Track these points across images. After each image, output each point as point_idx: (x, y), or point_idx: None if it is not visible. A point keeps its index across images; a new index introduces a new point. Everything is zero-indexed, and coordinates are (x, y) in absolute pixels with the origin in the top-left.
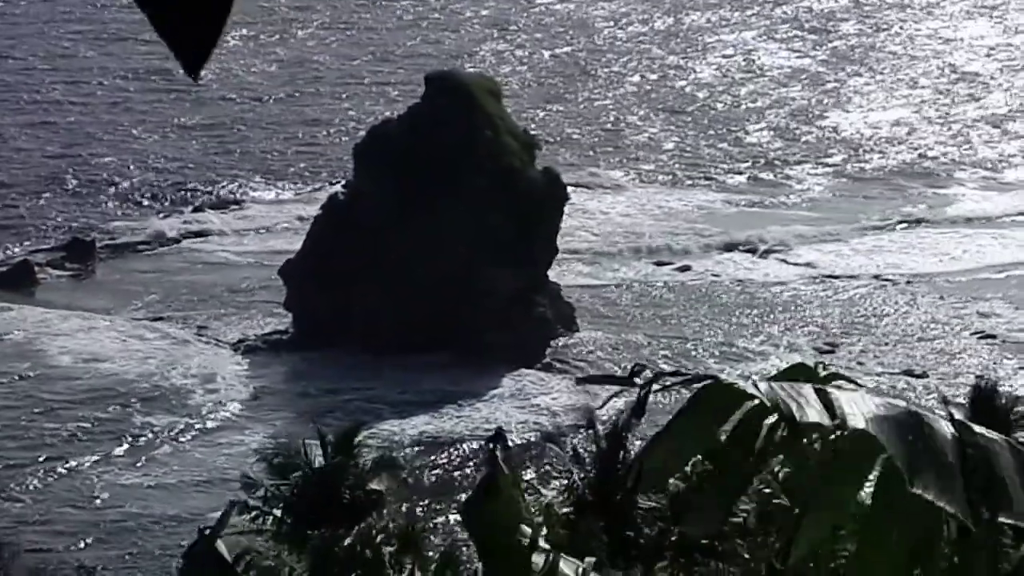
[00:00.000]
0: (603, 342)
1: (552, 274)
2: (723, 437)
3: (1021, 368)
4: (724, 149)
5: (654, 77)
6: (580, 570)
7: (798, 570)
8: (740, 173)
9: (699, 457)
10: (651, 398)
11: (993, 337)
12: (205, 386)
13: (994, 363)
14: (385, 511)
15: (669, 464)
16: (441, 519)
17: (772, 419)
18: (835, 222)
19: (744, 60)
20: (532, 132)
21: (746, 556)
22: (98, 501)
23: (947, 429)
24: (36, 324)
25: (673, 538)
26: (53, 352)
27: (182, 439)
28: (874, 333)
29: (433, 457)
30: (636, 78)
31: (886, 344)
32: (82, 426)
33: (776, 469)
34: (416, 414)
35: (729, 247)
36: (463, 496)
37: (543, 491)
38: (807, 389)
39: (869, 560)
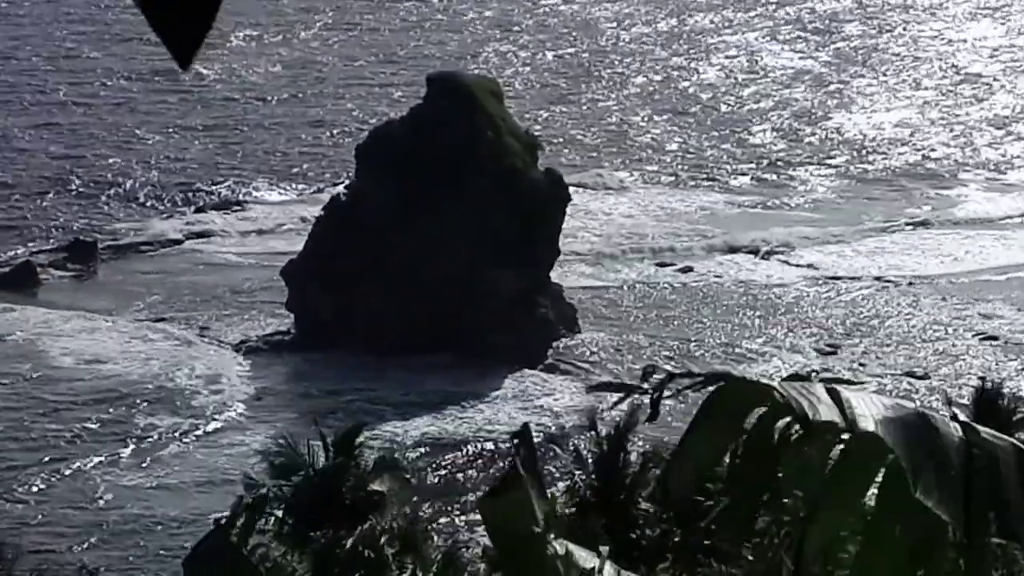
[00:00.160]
0: (605, 343)
1: (554, 275)
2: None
3: (1023, 369)
4: (728, 150)
5: (658, 78)
6: (597, 561)
7: (808, 571)
8: (744, 174)
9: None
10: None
11: (995, 338)
12: (207, 387)
13: (996, 364)
14: (387, 512)
15: (692, 478)
16: (444, 520)
17: (785, 421)
18: (838, 223)
19: (748, 61)
20: (536, 133)
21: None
22: (100, 502)
23: (954, 431)
24: (38, 325)
25: (676, 539)
26: (55, 353)
27: (184, 440)
28: (876, 334)
29: (436, 458)
30: (640, 79)
31: (888, 345)
32: (84, 427)
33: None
34: (418, 415)
35: (732, 248)
36: (466, 497)
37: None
38: (818, 388)
39: (870, 560)
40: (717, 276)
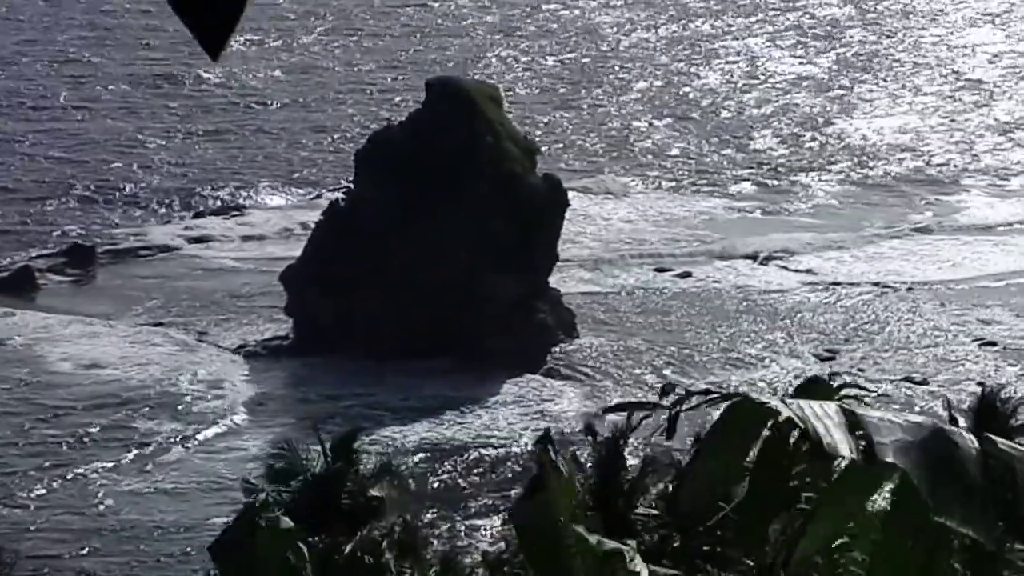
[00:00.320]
0: (604, 348)
1: (553, 280)
2: (754, 454)
3: (1022, 375)
4: (729, 155)
5: (659, 83)
6: (631, 557)
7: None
8: (745, 180)
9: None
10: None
11: (994, 344)
12: (206, 392)
13: (995, 370)
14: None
15: (706, 497)
16: (446, 525)
17: (796, 435)
18: (839, 229)
19: (749, 67)
20: (537, 138)
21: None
22: (99, 508)
23: (971, 444)
24: (37, 329)
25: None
26: (54, 358)
27: (183, 445)
28: (875, 340)
29: (435, 463)
30: (641, 84)
31: (887, 351)
32: (83, 432)
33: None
34: (418, 420)
35: (731, 254)
36: (464, 503)
37: None
38: (833, 409)
39: (881, 572)
40: (716, 281)
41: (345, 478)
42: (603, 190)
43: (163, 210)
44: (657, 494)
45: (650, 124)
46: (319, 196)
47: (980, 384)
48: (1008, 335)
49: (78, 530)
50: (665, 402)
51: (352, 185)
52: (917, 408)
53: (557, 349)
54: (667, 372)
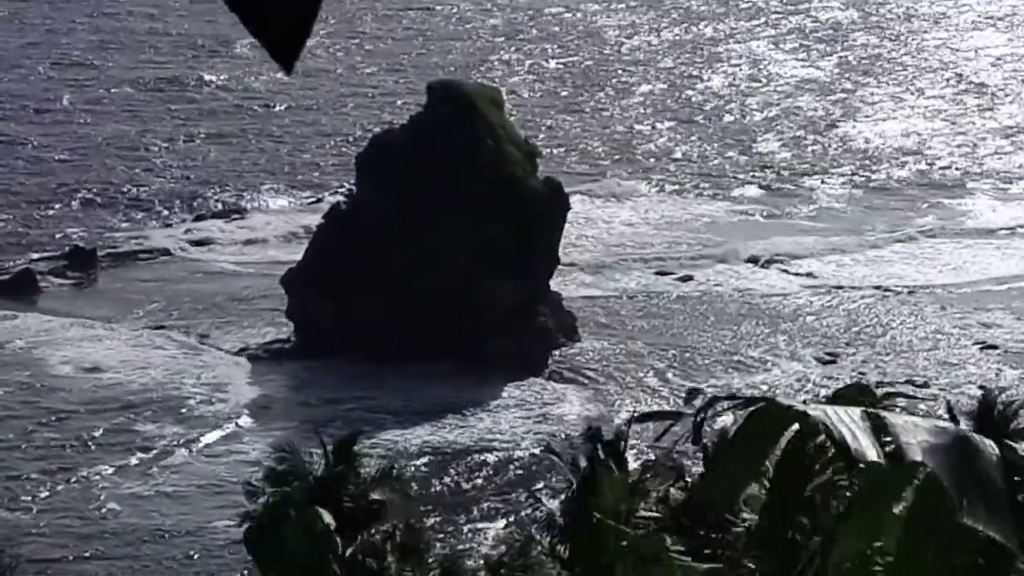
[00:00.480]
0: (605, 352)
1: (554, 284)
2: (776, 457)
3: (1023, 378)
4: (732, 159)
5: (663, 87)
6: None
7: None
8: (749, 183)
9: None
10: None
11: (995, 348)
12: (207, 396)
13: (996, 374)
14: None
15: (725, 495)
16: (451, 528)
17: (820, 439)
18: (841, 233)
19: (753, 70)
20: (541, 141)
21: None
22: (101, 511)
23: (992, 450)
24: (38, 332)
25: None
26: (55, 361)
27: (184, 449)
28: (876, 343)
29: (437, 467)
30: (645, 88)
31: (888, 354)
32: (85, 436)
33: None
34: (419, 424)
35: (733, 257)
36: (467, 507)
37: (544, 502)
38: (858, 415)
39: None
40: (717, 285)
41: (346, 481)
42: (608, 193)
43: (165, 213)
44: (658, 497)
45: (653, 127)
46: (320, 200)
47: (981, 388)
48: (1009, 338)
49: (80, 534)
50: (690, 408)
51: (354, 188)
52: (918, 412)
53: (558, 352)
54: (669, 375)
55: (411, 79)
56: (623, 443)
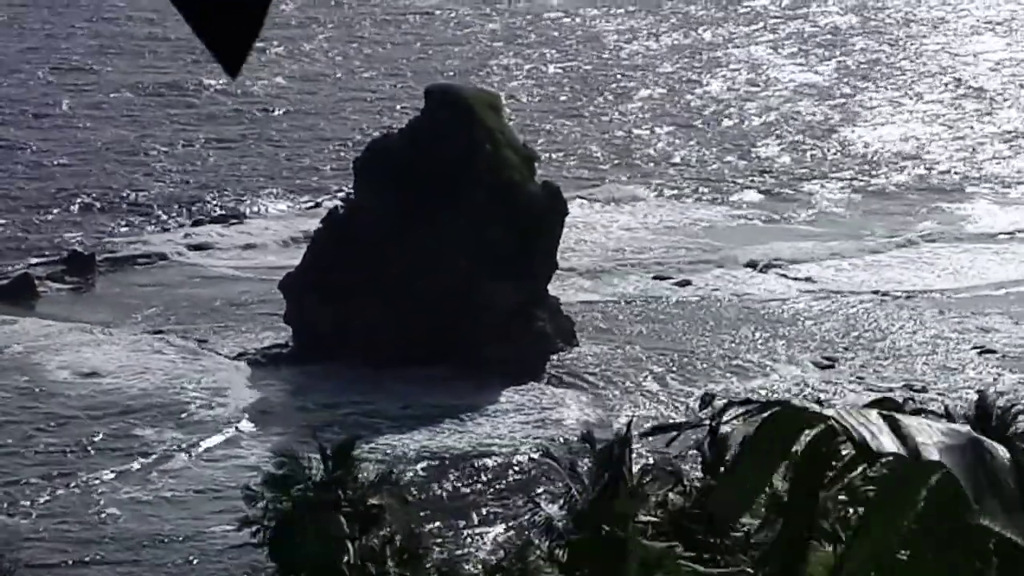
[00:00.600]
0: (604, 356)
1: (552, 288)
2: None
3: (1021, 382)
4: (731, 163)
5: (662, 91)
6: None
7: None
8: (749, 187)
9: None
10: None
11: (993, 352)
12: (205, 400)
13: (994, 378)
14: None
15: (740, 501)
16: (449, 534)
17: (837, 443)
18: (840, 238)
19: (752, 75)
20: (540, 146)
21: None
22: (99, 516)
23: (1004, 453)
24: (37, 337)
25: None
26: (53, 366)
27: (183, 453)
28: (875, 348)
29: (435, 471)
30: (644, 92)
31: (887, 359)
32: (83, 440)
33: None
34: (417, 428)
35: (732, 262)
36: (466, 511)
37: (543, 506)
38: (875, 416)
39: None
40: (715, 290)
41: (344, 486)
42: (607, 198)
43: (164, 217)
44: (657, 501)
45: (652, 132)
46: (318, 204)
47: (979, 392)
48: (1007, 343)
49: (80, 538)
50: (704, 415)
51: (352, 193)
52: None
53: (556, 357)
54: (668, 380)
55: (410, 84)
56: (629, 455)
